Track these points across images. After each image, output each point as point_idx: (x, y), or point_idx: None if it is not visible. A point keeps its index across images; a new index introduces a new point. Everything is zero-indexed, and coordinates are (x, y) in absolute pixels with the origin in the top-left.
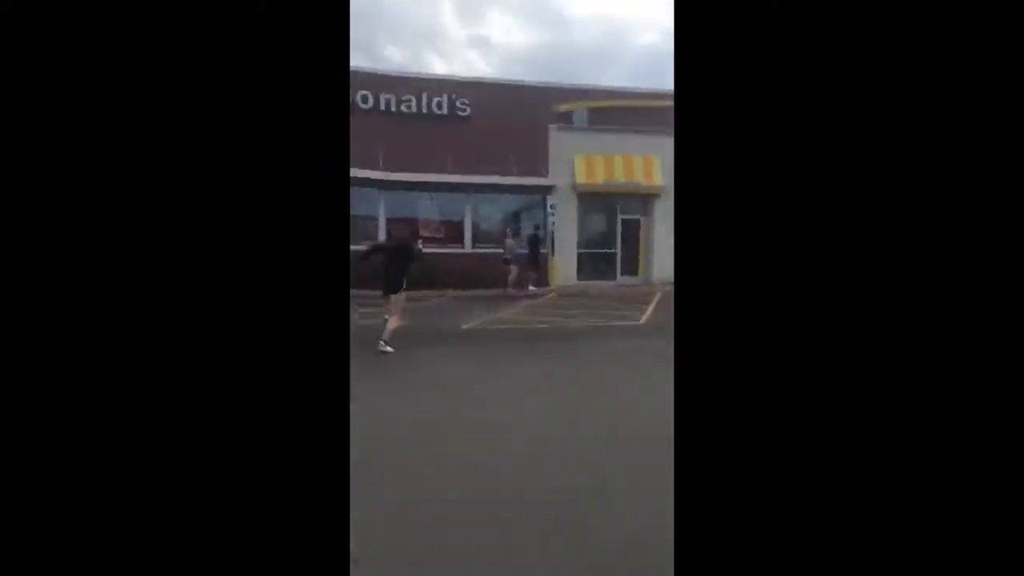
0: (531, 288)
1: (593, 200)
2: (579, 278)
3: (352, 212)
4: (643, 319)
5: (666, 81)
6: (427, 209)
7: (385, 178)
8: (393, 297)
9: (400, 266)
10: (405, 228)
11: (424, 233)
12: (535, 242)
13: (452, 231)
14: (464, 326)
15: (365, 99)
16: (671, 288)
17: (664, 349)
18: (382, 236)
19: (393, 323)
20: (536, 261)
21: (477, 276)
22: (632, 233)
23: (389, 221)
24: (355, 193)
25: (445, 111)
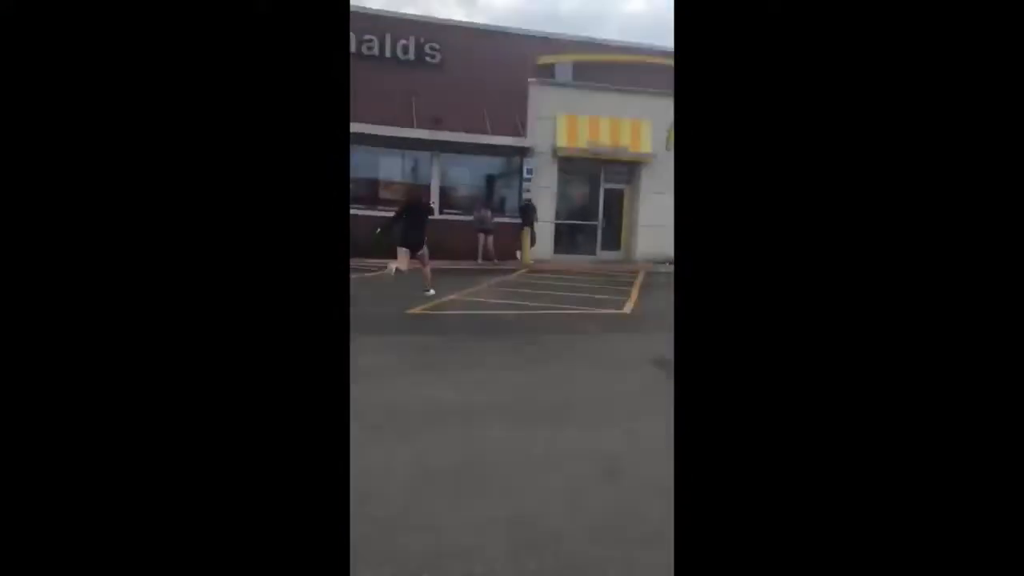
0: (507, 261)
1: (575, 166)
2: (556, 252)
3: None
4: (628, 307)
5: (657, 42)
6: (389, 169)
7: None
8: (420, 252)
9: (420, 225)
10: (417, 190)
11: (385, 195)
12: (528, 211)
13: (415, 192)
14: (409, 310)
15: None
16: (656, 267)
17: (662, 354)
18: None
19: (426, 271)
20: (530, 233)
21: (443, 246)
22: (616, 204)
23: (407, 186)
24: None
25: (412, 56)
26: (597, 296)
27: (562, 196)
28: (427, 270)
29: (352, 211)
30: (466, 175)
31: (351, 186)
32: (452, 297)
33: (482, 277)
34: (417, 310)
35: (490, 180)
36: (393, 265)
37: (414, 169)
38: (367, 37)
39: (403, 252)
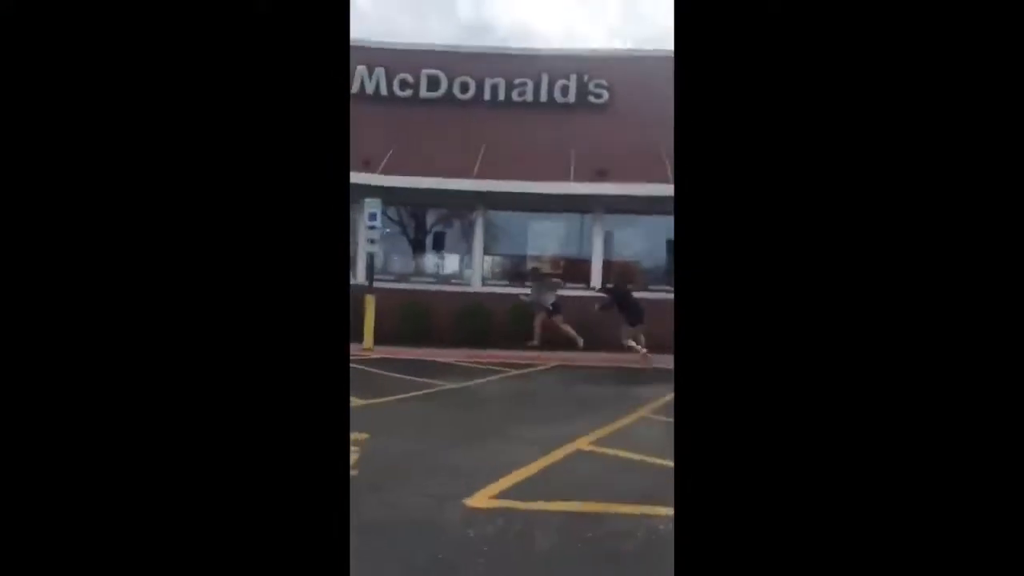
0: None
1: None
2: None
3: (421, 239)
4: None
5: None
6: (539, 235)
7: (482, 189)
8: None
9: (632, 302)
10: (629, 272)
11: (535, 267)
12: None
13: (572, 266)
14: (470, 499)
15: (465, 87)
16: None
17: None
18: (475, 278)
19: (639, 343)
20: None
21: (606, 333)
22: None
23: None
24: (426, 213)
25: (572, 98)
26: None
27: None
28: (639, 344)
29: (492, 288)
30: (638, 239)
31: (491, 256)
32: (579, 443)
33: (644, 388)
34: (483, 501)
35: (672, 246)
36: (641, 349)
37: (569, 235)
38: (519, 81)
39: (635, 330)
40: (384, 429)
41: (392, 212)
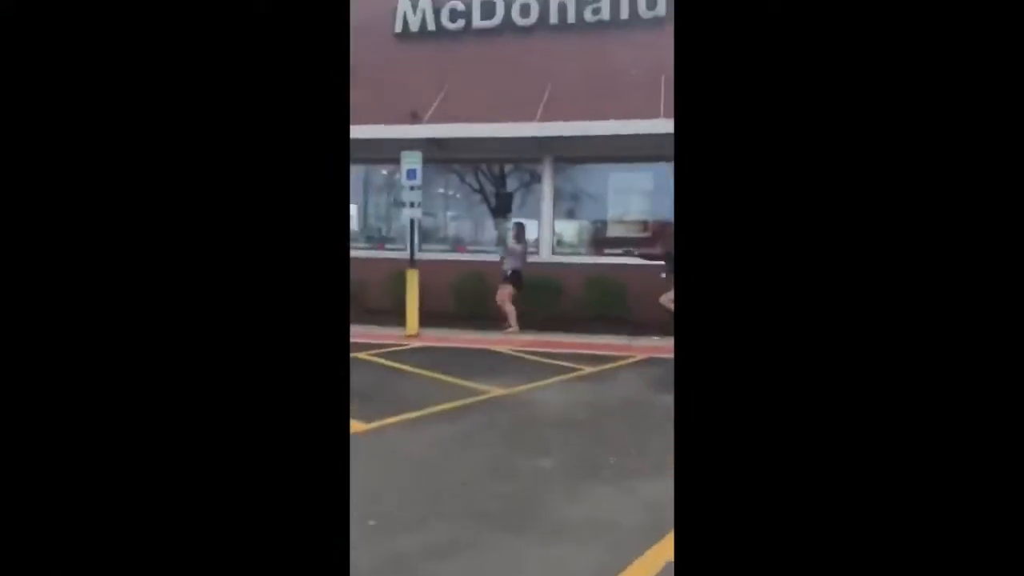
0: None
1: None
2: None
3: (481, 204)
4: None
5: None
6: (622, 193)
7: (547, 135)
8: None
9: None
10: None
11: (616, 233)
12: None
13: (662, 230)
14: None
15: (526, 10)
16: None
17: None
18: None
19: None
20: None
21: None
22: None
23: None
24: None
25: (662, 10)
26: None
27: None
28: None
29: (565, 258)
30: None
31: (565, 221)
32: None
33: None
34: None
35: None
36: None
37: (658, 189)
38: (595, 5)
39: None
40: (363, 498)
41: (471, 179)
